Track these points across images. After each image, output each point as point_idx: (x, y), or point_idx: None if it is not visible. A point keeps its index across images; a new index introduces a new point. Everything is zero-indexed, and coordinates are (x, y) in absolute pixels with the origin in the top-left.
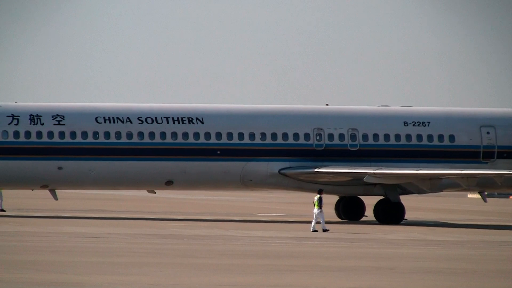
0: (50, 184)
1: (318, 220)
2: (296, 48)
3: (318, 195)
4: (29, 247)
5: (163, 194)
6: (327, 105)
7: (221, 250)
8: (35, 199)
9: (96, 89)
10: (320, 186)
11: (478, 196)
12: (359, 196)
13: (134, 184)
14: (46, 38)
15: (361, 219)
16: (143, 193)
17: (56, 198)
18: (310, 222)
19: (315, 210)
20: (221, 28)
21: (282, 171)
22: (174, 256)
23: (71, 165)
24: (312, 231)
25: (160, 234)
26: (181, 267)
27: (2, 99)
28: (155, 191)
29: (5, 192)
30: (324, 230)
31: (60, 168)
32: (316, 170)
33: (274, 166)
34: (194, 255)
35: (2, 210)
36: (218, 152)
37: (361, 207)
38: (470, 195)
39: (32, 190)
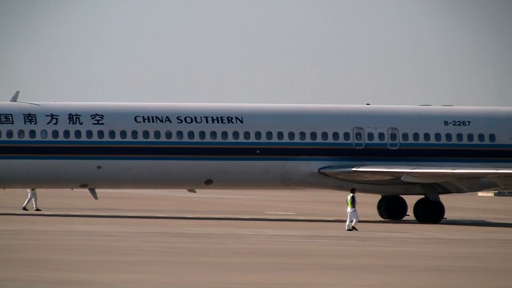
0: (89, 183)
1: (352, 218)
2: (338, 47)
3: (351, 194)
4: (40, 245)
5: (173, 193)
6: (368, 104)
7: (232, 248)
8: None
9: (134, 89)
10: (359, 186)
11: (489, 194)
12: (401, 196)
13: (174, 184)
14: (82, 38)
15: (403, 218)
16: (154, 191)
17: (95, 197)
18: (320, 221)
19: (348, 209)
20: (258, 27)
21: (322, 170)
22: (185, 254)
23: (110, 164)
24: (347, 230)
25: (171, 233)
26: (192, 265)
27: (41, 99)
28: (195, 190)
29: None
30: (353, 229)
31: (99, 167)
32: (355, 169)
33: (313, 165)
34: (205, 254)
35: (38, 210)
36: (258, 152)
37: (403, 206)
38: (480, 193)
39: (72, 189)
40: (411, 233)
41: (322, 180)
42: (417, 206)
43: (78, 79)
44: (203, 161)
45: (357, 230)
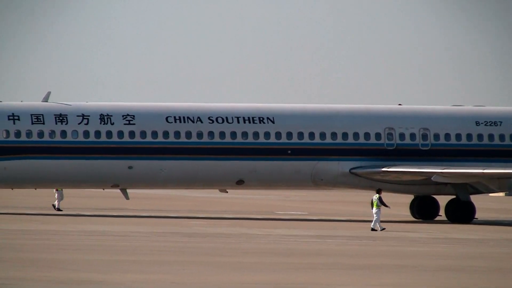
0: (121, 184)
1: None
2: (371, 48)
3: (378, 195)
4: (52, 245)
5: (186, 193)
6: (399, 105)
7: (243, 248)
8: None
9: (164, 90)
10: (390, 186)
11: (500, 194)
12: (433, 196)
13: (205, 184)
14: (112, 39)
15: (435, 219)
16: (165, 191)
17: (127, 198)
18: (331, 220)
19: (374, 209)
20: (285, 27)
21: (353, 171)
22: (197, 254)
23: (141, 165)
24: (381, 229)
25: (183, 233)
26: (204, 265)
27: (72, 99)
28: (227, 190)
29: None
30: (373, 230)
31: (130, 167)
32: (386, 169)
33: (345, 165)
34: (217, 253)
35: (59, 210)
36: (289, 152)
37: (435, 207)
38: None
39: (103, 189)
40: (423, 233)
41: (353, 180)
42: (448, 206)
43: (109, 80)
44: (234, 162)
45: (376, 230)
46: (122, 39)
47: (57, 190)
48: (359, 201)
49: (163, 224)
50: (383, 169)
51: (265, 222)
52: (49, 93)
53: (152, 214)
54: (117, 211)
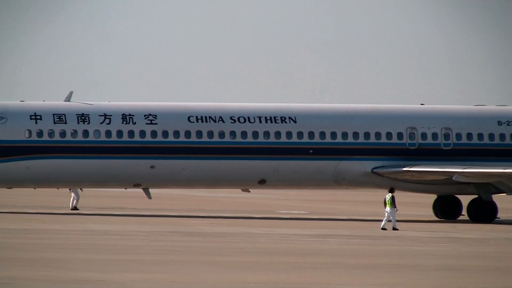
0: (143, 183)
1: (389, 218)
2: (394, 47)
3: (391, 194)
4: (52, 244)
5: (185, 192)
6: (422, 104)
7: (244, 247)
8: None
9: (187, 89)
10: (413, 186)
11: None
12: (456, 195)
13: (227, 183)
14: (135, 37)
15: (458, 218)
16: (167, 190)
17: (149, 197)
18: (332, 220)
19: (387, 208)
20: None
21: (375, 170)
22: (197, 253)
23: (163, 164)
24: (382, 228)
25: (183, 232)
26: (204, 264)
27: (94, 99)
28: (249, 190)
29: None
30: (394, 229)
31: (152, 167)
32: (408, 169)
33: (367, 165)
34: (217, 253)
35: (75, 209)
36: (311, 151)
37: (458, 206)
38: None
39: (126, 188)
40: (424, 232)
41: (376, 180)
42: (471, 206)
43: (131, 79)
44: (256, 161)
45: (397, 229)
46: (145, 39)
47: (71, 189)
48: (360, 200)
49: (164, 223)
50: (405, 168)
51: (266, 221)
52: (71, 93)
53: (153, 213)
54: (118, 210)
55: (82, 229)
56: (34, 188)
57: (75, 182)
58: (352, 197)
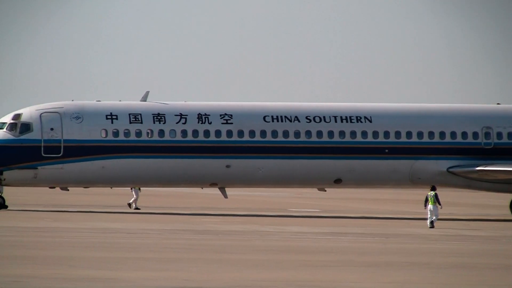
0: (219, 182)
1: (433, 215)
2: (471, 47)
3: (433, 192)
4: (63, 243)
5: (196, 190)
6: (498, 104)
7: (256, 245)
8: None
9: (262, 89)
10: (489, 185)
11: None
12: None
13: (303, 183)
14: (210, 37)
15: None
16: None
17: (225, 196)
18: (343, 217)
19: (429, 206)
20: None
21: (451, 170)
22: (208, 251)
23: (239, 164)
24: (430, 227)
25: (194, 230)
26: (216, 262)
27: (170, 99)
28: (325, 189)
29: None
30: (432, 227)
31: (228, 166)
32: (484, 168)
33: (442, 164)
34: (229, 251)
35: (137, 208)
36: (386, 151)
37: None
38: None
39: (202, 188)
40: (435, 230)
41: (451, 179)
42: None
43: (207, 79)
44: (332, 160)
45: (433, 227)
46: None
47: (132, 188)
48: (372, 198)
49: (175, 221)
50: (480, 168)
51: (277, 219)
52: (147, 93)
53: (164, 212)
54: (125, 208)
55: (94, 227)
56: (111, 188)
57: (150, 181)
58: (363, 195)
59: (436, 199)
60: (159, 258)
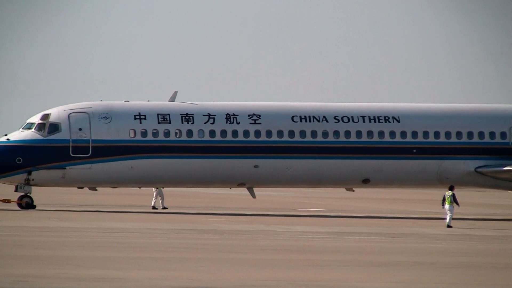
0: (247, 182)
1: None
2: (497, 48)
3: (451, 192)
4: (69, 242)
5: (203, 190)
6: None
7: (262, 245)
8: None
9: (291, 89)
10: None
11: None
12: None
13: (331, 183)
14: (238, 36)
15: None
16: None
17: (253, 196)
18: (350, 217)
19: (446, 206)
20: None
21: (478, 169)
22: (214, 251)
23: (267, 164)
24: (448, 227)
25: (201, 229)
26: (222, 262)
27: (198, 99)
28: (353, 189)
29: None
30: (449, 226)
31: (256, 166)
32: (510, 168)
33: (470, 164)
34: (235, 250)
35: (164, 208)
36: (414, 151)
37: None
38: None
39: (230, 188)
40: (441, 230)
41: (479, 179)
42: None
43: (235, 79)
44: (360, 161)
45: (451, 227)
46: (246, 38)
47: (156, 189)
48: (378, 198)
49: (181, 221)
50: (508, 168)
51: (283, 218)
52: (176, 93)
53: (170, 211)
54: (135, 208)
55: (100, 227)
56: (139, 188)
57: (178, 182)
58: (370, 194)
59: (454, 199)
60: (165, 258)
